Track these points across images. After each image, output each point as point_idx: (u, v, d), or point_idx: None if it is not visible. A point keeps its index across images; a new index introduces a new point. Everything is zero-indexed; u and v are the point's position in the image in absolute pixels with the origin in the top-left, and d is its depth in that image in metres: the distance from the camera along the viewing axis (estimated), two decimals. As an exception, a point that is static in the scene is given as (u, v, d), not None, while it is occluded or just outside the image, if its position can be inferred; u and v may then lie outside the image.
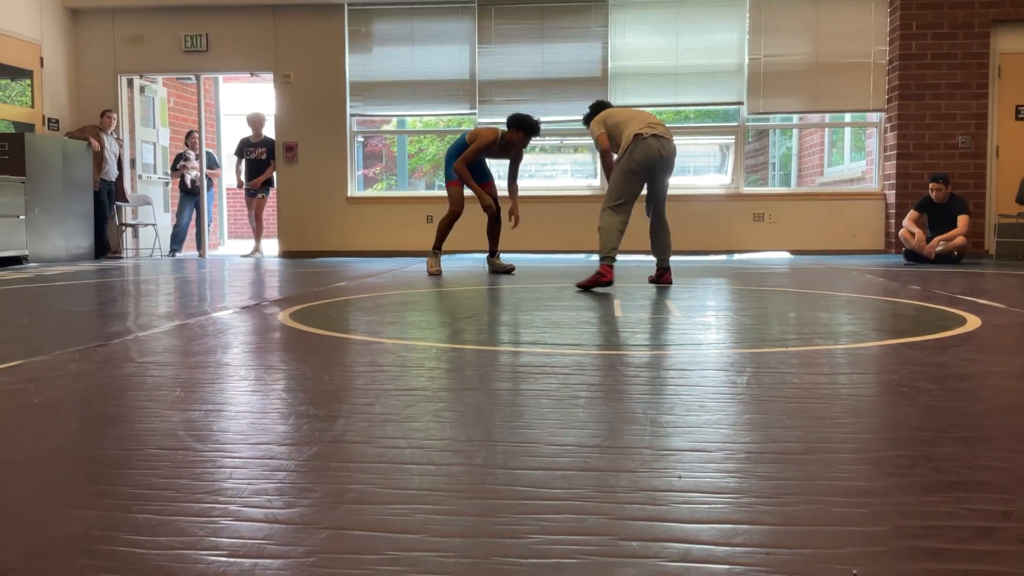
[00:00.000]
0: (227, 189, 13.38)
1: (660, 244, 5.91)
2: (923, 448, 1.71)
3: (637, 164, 5.49)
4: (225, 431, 1.85)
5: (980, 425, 1.91)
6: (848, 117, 10.72)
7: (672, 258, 9.24)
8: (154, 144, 11.39)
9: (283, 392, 2.28)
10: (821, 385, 2.36)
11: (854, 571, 1.11)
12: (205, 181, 10.74)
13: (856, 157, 11.43)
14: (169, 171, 11.03)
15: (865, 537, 1.24)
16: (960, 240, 8.06)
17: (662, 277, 5.87)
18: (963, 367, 2.59)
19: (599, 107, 6.05)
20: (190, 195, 10.67)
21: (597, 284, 5.34)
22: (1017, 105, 9.60)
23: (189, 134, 10.89)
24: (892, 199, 9.74)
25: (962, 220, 8.08)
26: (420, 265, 8.19)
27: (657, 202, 5.82)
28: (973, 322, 3.62)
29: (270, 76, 10.57)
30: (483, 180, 7.29)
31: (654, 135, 5.49)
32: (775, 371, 2.55)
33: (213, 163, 10.88)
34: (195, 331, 3.50)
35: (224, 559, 1.16)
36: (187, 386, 2.35)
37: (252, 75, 11.37)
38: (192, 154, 10.62)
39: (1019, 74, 9.59)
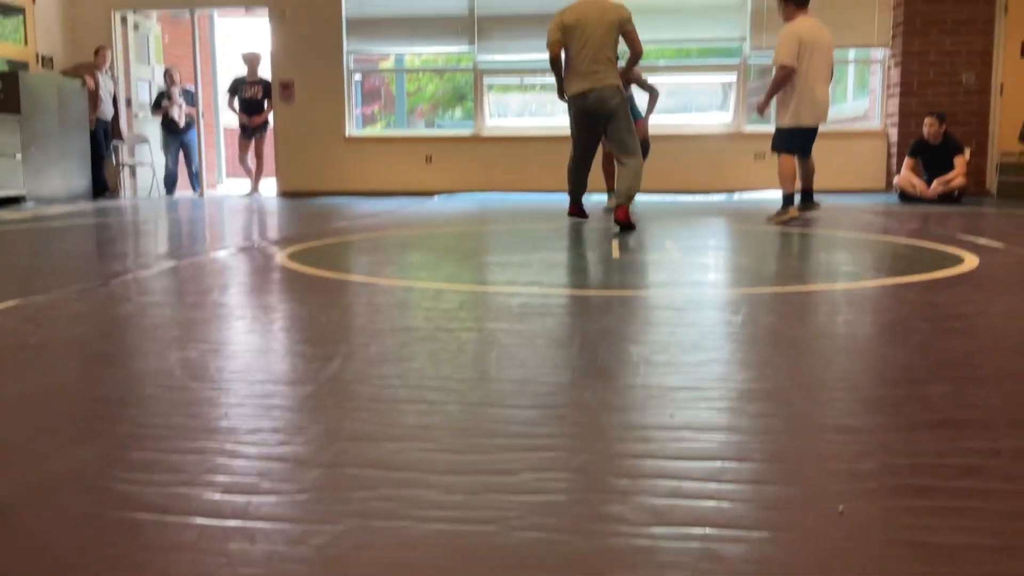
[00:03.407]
0: (224, 129, 13.21)
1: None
2: (913, 387, 1.72)
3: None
4: (221, 371, 1.87)
5: (971, 364, 1.92)
6: (852, 53, 10.56)
7: (671, 197, 9.21)
8: (149, 82, 11.20)
9: (280, 332, 2.29)
10: (816, 324, 2.37)
11: (840, 507, 1.13)
12: (188, 119, 10.52)
13: (859, 95, 11.28)
14: (151, 109, 10.75)
15: (852, 474, 1.25)
16: (959, 181, 8.01)
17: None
18: (958, 307, 2.60)
19: None
20: (173, 133, 10.48)
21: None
22: (1023, 42, 9.45)
23: (167, 71, 10.64)
24: (894, 137, 9.65)
25: (959, 161, 8.01)
26: (420, 205, 8.15)
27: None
28: (971, 261, 3.61)
29: (265, 12, 10.38)
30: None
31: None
32: (771, 311, 2.56)
33: (191, 100, 10.64)
34: (193, 271, 3.50)
35: (218, 496, 1.17)
36: (185, 326, 2.36)
37: (247, 10, 11.16)
38: (176, 90, 10.41)
39: (1026, 10, 9.42)
